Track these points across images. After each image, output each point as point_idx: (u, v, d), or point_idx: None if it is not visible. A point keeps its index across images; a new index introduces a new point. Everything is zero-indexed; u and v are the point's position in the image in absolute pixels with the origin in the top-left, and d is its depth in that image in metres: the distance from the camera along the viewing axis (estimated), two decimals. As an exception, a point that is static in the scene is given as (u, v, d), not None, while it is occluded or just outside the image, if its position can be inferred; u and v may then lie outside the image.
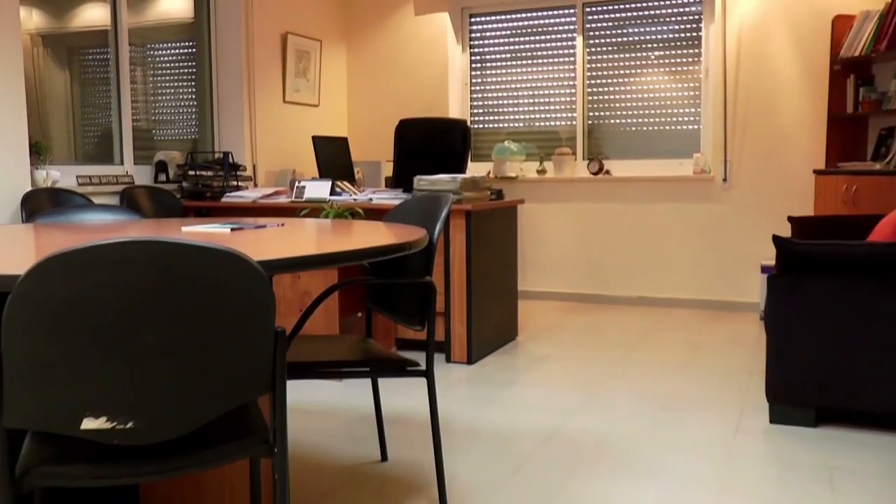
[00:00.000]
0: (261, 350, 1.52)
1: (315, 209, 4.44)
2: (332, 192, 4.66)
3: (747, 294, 5.83)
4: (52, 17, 4.68)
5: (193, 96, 5.69)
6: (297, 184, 4.74)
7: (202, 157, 5.33)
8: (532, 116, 6.53)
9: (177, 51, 5.58)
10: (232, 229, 2.39)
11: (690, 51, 6.02)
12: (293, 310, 4.08)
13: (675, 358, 4.44)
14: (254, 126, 5.79)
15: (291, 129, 6.22)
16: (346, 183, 5.63)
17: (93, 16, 4.89)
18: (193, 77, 5.69)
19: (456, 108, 6.66)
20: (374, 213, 4.53)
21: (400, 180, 5.81)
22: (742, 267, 5.84)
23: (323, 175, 5.75)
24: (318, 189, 4.65)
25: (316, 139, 5.75)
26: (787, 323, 3.25)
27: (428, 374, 2.40)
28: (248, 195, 4.86)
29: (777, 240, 3.31)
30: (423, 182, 4.31)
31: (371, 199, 4.49)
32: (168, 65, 5.51)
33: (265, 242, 1.97)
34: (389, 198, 4.44)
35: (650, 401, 3.64)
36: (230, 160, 5.05)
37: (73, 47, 4.81)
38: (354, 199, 4.51)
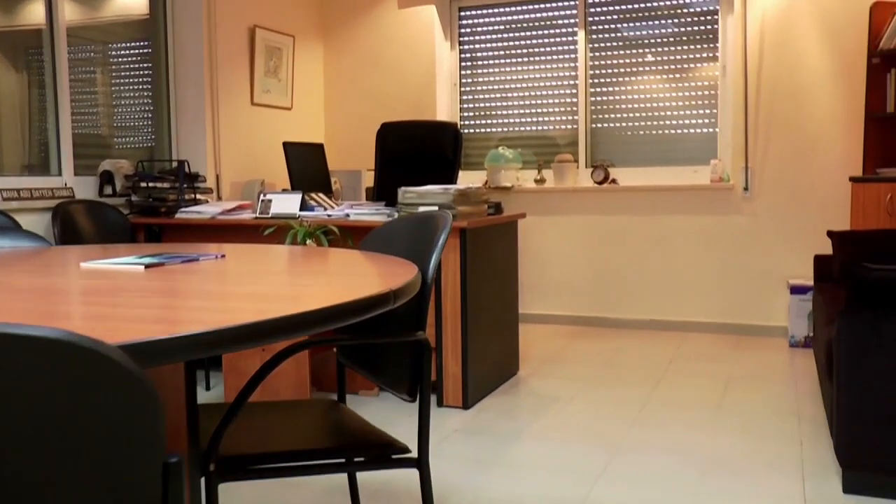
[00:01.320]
0: (137, 493, 0.86)
1: (283, 227, 3.78)
2: (304, 207, 4.00)
3: (774, 317, 5.20)
4: (5, 13, 4.01)
5: (150, 99, 5.01)
6: (262, 197, 4.08)
7: (158, 167, 4.66)
8: (529, 120, 5.89)
9: (131, 50, 4.91)
10: (147, 266, 1.73)
11: (705, 45, 5.40)
12: (255, 363, 3.42)
13: (705, 397, 3.79)
14: (217, 131, 5.12)
15: (260, 135, 5.55)
16: (321, 195, 4.98)
17: (40, 13, 4.21)
18: (149, 78, 5.02)
19: (444, 110, 6.01)
20: (353, 232, 3.87)
21: (382, 192, 5.15)
22: (767, 286, 5.21)
23: (295, 186, 5.10)
24: (286, 203, 3.99)
25: (287, 146, 5.09)
26: (863, 370, 2.61)
27: (421, 465, 1.73)
28: (207, 210, 4.18)
29: (848, 266, 2.67)
30: (409, 195, 3.66)
31: (348, 215, 3.83)
32: (121, 65, 4.83)
33: (171, 296, 1.30)
34: (369, 213, 3.78)
35: (688, 459, 2.99)
36: (187, 169, 4.38)
37: (28, 46, 4.14)
38: (328, 215, 3.85)
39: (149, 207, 4.39)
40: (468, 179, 5.99)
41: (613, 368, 4.39)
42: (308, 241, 3.59)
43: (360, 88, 6.20)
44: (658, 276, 5.44)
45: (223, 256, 1.94)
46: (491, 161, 5.76)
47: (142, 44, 4.98)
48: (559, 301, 5.70)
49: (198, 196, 4.47)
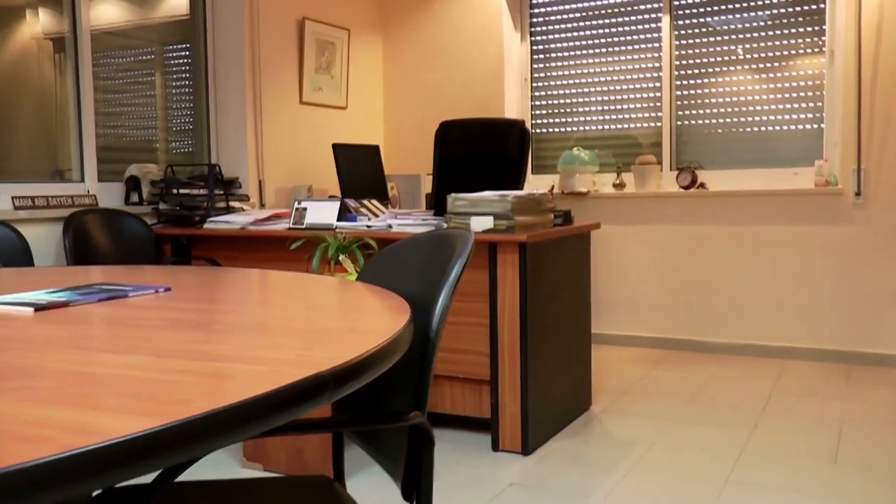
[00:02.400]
0: None
1: (314, 239, 3.29)
2: (343, 217, 3.50)
3: (891, 343, 4.48)
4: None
5: (190, 101, 4.61)
6: (297, 205, 3.60)
7: (195, 171, 4.24)
8: (607, 118, 5.29)
9: (172, 52, 4.52)
10: (39, 307, 1.24)
11: (809, 29, 4.71)
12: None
13: (815, 448, 3.14)
14: (260, 133, 4.68)
15: (310, 137, 5.10)
16: (373, 202, 4.50)
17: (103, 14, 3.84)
18: (189, 78, 4.61)
19: (514, 108, 5.46)
20: (396, 245, 3.35)
21: (440, 198, 4.62)
22: (883, 307, 4.49)
23: (346, 192, 4.63)
24: (322, 212, 3.50)
25: (337, 148, 4.62)
26: None
27: None
28: (237, 220, 3.73)
29: None
30: (460, 202, 3.13)
31: (390, 226, 3.31)
32: (164, 67, 4.44)
33: (7, 377, 0.79)
34: (414, 224, 3.26)
35: (801, 538, 2.37)
36: (218, 174, 3.94)
37: (60, 50, 3.78)
38: (368, 227, 3.34)
39: (178, 217, 3.96)
40: (540, 184, 5.42)
41: (702, 405, 3.76)
42: (341, 258, 3.09)
43: (421, 85, 5.69)
44: (753, 294, 4.77)
45: (167, 290, 1.44)
46: (564, 163, 5.18)
47: (182, 46, 4.58)
48: (639, 321, 5.07)
49: (233, 204, 4.02)
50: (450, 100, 5.57)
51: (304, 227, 3.53)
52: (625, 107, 5.22)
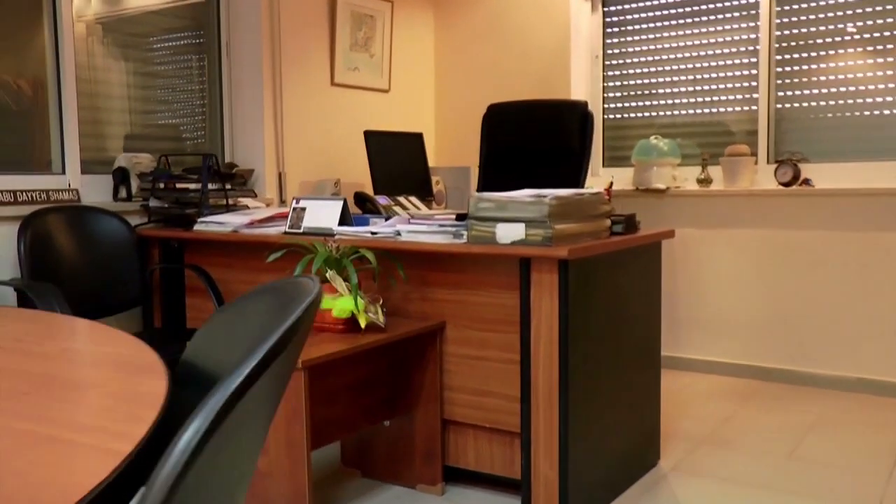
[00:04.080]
0: None
1: (301, 249, 2.61)
2: (348, 219, 2.83)
3: None
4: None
5: (203, 86, 4.03)
6: (294, 204, 2.95)
7: (188, 162, 3.63)
8: (692, 101, 4.47)
9: (184, 39, 3.94)
10: None
11: (950, -10, 3.79)
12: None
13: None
14: (280, 118, 4.05)
15: (343, 124, 4.45)
16: (411, 199, 3.83)
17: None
18: (204, 62, 4.03)
19: (582, 90, 4.69)
20: (408, 258, 2.66)
21: (488, 191, 3.92)
22: None
23: (380, 187, 3.98)
24: (323, 212, 2.83)
25: (369, 136, 3.98)
26: None
27: None
28: (231, 221, 3.10)
29: None
30: (484, 204, 2.41)
31: (398, 234, 2.62)
32: (175, 54, 3.86)
33: None
34: (428, 230, 2.56)
35: None
36: (214, 165, 3.32)
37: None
38: (373, 234, 2.66)
39: (170, 216, 3.37)
40: (614, 176, 4.63)
41: (806, 463, 2.95)
42: (329, 274, 2.41)
43: (475, 64, 4.97)
44: (871, 315, 3.89)
45: None
46: (639, 154, 4.39)
47: (196, 33, 3.99)
48: (725, 344, 4.24)
49: (229, 201, 3.39)
50: (508, 81, 4.83)
51: (301, 230, 2.87)
52: (713, 87, 4.39)
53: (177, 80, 3.94)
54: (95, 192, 3.47)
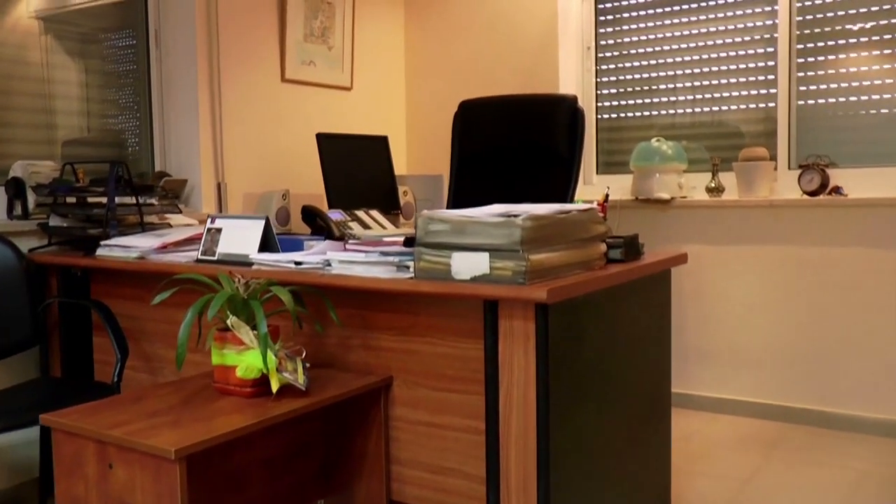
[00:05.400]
0: None
1: (205, 284, 2.01)
2: (268, 244, 2.23)
3: None
4: None
5: (131, 88, 3.45)
6: (209, 224, 2.35)
7: (95, 170, 3.04)
8: (699, 97, 3.89)
9: (114, 38, 3.36)
10: None
11: None
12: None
13: None
14: (218, 120, 3.46)
15: (296, 126, 3.86)
16: (372, 213, 3.24)
17: None
18: (130, 51, 3.45)
19: (571, 85, 4.10)
20: (345, 293, 2.06)
21: (460, 204, 3.34)
22: None
23: (334, 199, 3.42)
24: (241, 235, 2.24)
25: (323, 139, 3.42)
26: None
27: None
28: (137, 244, 2.51)
29: None
30: (436, 226, 1.81)
31: (328, 265, 2.02)
32: (104, 55, 3.27)
33: None
34: (366, 259, 1.95)
35: None
36: (122, 174, 2.72)
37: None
38: (297, 265, 2.06)
39: (75, 238, 2.77)
40: (610, 185, 4.04)
41: (851, 544, 2.35)
42: (231, 321, 1.82)
43: (452, 59, 4.38)
44: (915, 346, 3.30)
45: None
46: (639, 160, 3.80)
47: (125, 33, 3.41)
48: (743, 380, 3.65)
49: (143, 218, 2.79)
50: (488, 77, 4.24)
51: (215, 258, 2.27)
52: (723, 81, 3.80)
53: (118, 79, 3.36)
54: (-11, 208, 2.88)
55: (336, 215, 3.06)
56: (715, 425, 3.49)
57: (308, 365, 1.88)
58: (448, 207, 3.36)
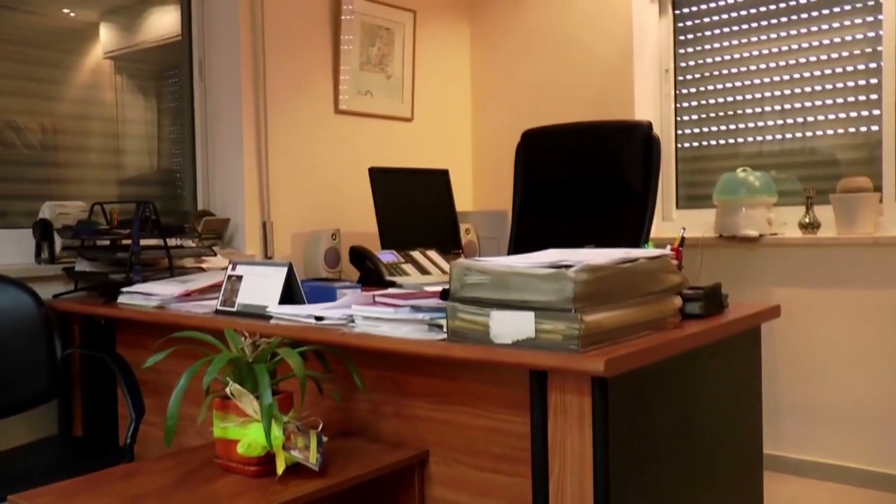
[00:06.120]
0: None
1: (213, 345, 1.75)
2: (292, 294, 1.97)
3: None
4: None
5: (177, 126, 3.28)
6: (230, 271, 2.11)
7: (125, 211, 2.84)
8: (789, 122, 3.51)
9: (162, 78, 3.21)
10: None
11: None
12: None
13: None
14: (264, 155, 3.25)
15: (351, 160, 3.62)
16: (429, 254, 3.00)
17: None
18: (176, 88, 3.28)
19: (648, 111, 3.77)
20: (372, 354, 1.78)
21: (522, 244, 3.04)
22: None
23: (387, 239, 3.15)
24: (261, 284, 1.99)
25: (375, 174, 3.16)
26: None
27: None
28: (159, 292, 2.29)
29: None
30: (473, 277, 1.51)
31: (352, 321, 1.74)
32: (154, 94, 3.12)
33: None
34: (393, 316, 1.67)
35: None
36: (150, 214, 2.51)
37: None
38: (318, 320, 1.79)
39: (101, 284, 2.58)
40: (691, 220, 3.69)
41: None
42: (231, 388, 1.56)
43: (521, 86, 4.10)
44: None
45: None
46: (723, 192, 3.44)
47: (172, 71, 3.26)
48: (844, 442, 3.22)
49: (173, 262, 2.58)
50: (558, 104, 3.94)
51: (234, 309, 2.02)
52: (817, 103, 3.42)
53: (179, 117, 3.20)
54: (15, 251, 2.71)
55: (388, 256, 2.80)
56: (810, 494, 3.07)
57: (325, 439, 1.60)
58: (509, 247, 3.06)
